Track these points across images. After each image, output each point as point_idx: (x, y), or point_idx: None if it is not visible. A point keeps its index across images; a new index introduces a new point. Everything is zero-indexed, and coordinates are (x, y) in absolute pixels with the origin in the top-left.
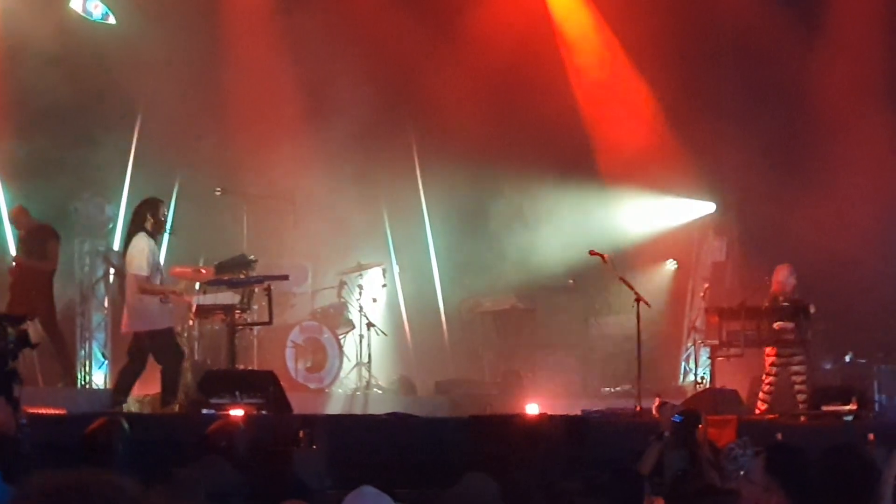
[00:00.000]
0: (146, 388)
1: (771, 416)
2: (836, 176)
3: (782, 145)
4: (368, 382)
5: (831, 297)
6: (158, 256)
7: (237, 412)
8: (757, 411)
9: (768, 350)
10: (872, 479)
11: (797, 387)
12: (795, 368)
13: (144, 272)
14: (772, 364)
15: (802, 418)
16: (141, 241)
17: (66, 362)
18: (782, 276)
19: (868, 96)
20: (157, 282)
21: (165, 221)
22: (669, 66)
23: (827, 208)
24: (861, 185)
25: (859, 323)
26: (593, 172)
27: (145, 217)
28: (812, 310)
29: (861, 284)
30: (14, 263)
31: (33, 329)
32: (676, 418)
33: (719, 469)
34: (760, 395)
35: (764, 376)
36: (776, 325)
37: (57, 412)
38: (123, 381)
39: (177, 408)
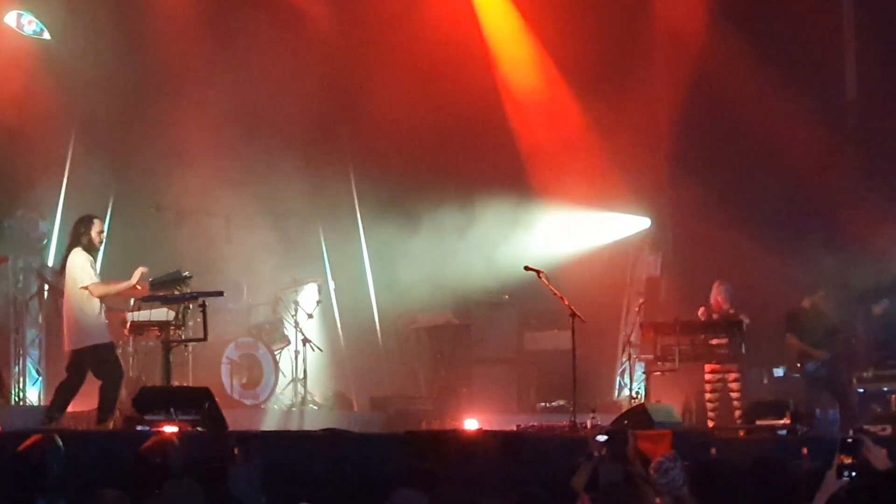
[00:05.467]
0: (83, 405)
1: (705, 429)
2: (768, 192)
3: (714, 162)
4: (304, 398)
5: (767, 311)
6: (96, 271)
7: (172, 429)
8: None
9: (707, 367)
10: (802, 495)
11: (734, 400)
12: (732, 382)
13: (95, 279)
14: (707, 381)
15: (740, 433)
16: (78, 256)
17: None
18: (715, 293)
19: (799, 118)
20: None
21: (101, 238)
22: (603, 85)
23: (759, 225)
24: (790, 199)
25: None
26: (530, 188)
27: (80, 233)
28: (746, 320)
29: (796, 299)
30: None
31: None
32: (600, 438)
33: (651, 484)
34: (708, 413)
35: (706, 393)
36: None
37: None
38: (61, 397)
39: (111, 425)
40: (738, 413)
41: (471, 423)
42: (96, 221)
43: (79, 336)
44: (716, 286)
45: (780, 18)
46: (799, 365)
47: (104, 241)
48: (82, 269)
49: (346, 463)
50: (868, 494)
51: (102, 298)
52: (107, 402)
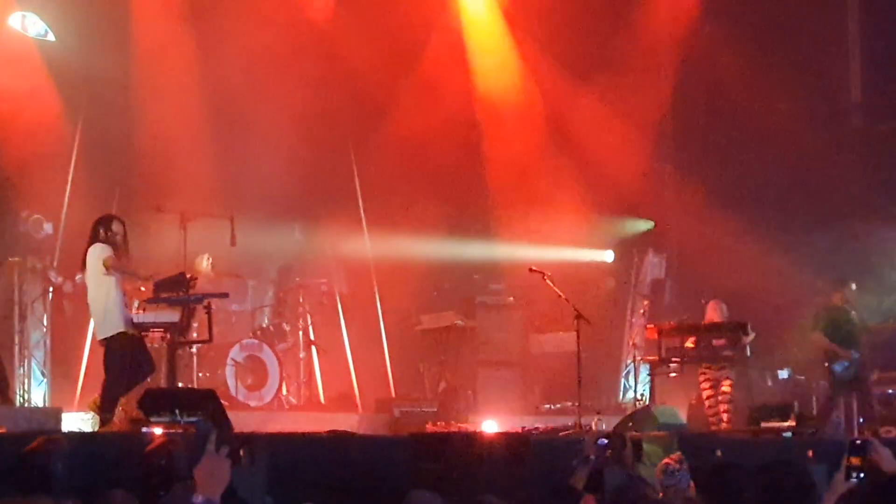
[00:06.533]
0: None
1: (709, 431)
2: (772, 193)
3: (718, 163)
4: (309, 400)
5: (772, 313)
6: None
7: (177, 431)
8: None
9: (699, 370)
10: (809, 497)
11: (721, 403)
12: (724, 386)
13: (110, 252)
14: (701, 383)
15: (741, 435)
16: (99, 247)
17: (3, 381)
18: (710, 313)
19: (803, 120)
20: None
21: (118, 236)
22: (605, 88)
23: (763, 227)
24: (795, 201)
25: (798, 339)
26: (534, 190)
27: (98, 232)
28: (751, 332)
29: (800, 300)
30: None
31: None
32: (601, 442)
33: (654, 485)
34: (709, 416)
35: (703, 396)
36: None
37: None
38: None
39: (113, 427)
40: (724, 409)
41: (475, 425)
42: (115, 220)
43: (99, 327)
44: (710, 305)
45: (784, 19)
46: (826, 364)
47: (125, 240)
48: (102, 251)
49: (351, 465)
50: (876, 496)
51: (114, 267)
52: (107, 400)
